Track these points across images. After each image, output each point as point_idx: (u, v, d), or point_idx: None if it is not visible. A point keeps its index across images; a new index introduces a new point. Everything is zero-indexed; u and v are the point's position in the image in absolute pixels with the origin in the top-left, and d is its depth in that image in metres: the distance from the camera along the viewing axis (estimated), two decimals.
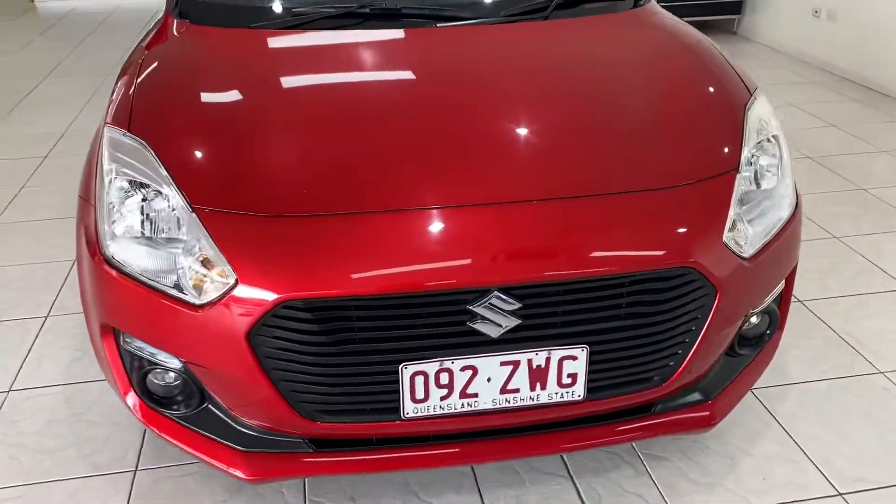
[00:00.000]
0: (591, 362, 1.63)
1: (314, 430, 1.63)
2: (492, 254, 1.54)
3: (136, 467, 2.04)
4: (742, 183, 1.74)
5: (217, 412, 1.72)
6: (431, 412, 1.62)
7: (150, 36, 2.26)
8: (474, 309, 1.52)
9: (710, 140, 1.82)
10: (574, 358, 1.61)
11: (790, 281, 1.96)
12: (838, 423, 2.17)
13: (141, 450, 2.10)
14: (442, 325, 1.55)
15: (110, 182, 1.68)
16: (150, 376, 1.72)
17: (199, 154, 1.72)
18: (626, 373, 1.67)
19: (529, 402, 1.64)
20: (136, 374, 1.72)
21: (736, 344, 1.87)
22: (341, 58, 2.06)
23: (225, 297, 1.51)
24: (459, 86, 1.94)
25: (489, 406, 1.63)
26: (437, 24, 2.16)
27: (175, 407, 1.74)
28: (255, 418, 1.66)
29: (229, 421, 1.71)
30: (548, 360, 1.60)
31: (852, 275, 2.90)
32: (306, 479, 1.99)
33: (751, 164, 1.80)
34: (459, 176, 1.66)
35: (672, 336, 1.66)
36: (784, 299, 1.97)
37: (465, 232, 1.57)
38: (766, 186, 1.82)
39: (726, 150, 1.79)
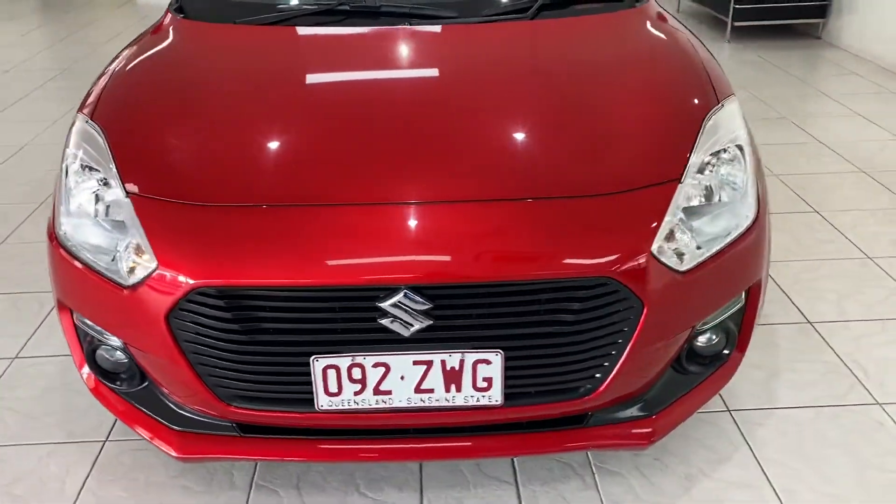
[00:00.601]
0: (507, 368, 1.60)
1: (233, 415, 1.67)
2: (403, 252, 1.54)
3: (107, 438, 2.16)
4: (687, 193, 1.67)
5: (156, 391, 1.79)
6: (346, 406, 1.63)
7: (147, 29, 2.37)
8: (384, 306, 1.53)
9: (659, 148, 1.75)
10: (488, 362, 1.59)
11: (753, 298, 1.86)
12: (815, 454, 2.04)
13: (115, 422, 2.21)
14: (353, 320, 1.56)
15: (68, 166, 1.78)
16: (98, 352, 1.81)
17: (146, 142, 1.80)
18: (548, 381, 1.64)
19: (445, 404, 1.63)
20: (87, 348, 1.82)
21: (684, 360, 1.80)
22: (309, 54, 2.10)
23: (147, 280, 1.58)
24: (417, 85, 1.94)
25: (404, 404, 1.63)
26: (416, 23, 2.17)
27: (120, 383, 1.82)
28: (182, 399, 1.73)
29: (166, 401, 1.79)
30: (462, 362, 1.58)
31: (877, 300, 2.71)
32: (257, 465, 2.05)
33: (703, 173, 1.72)
34: (386, 173, 1.67)
35: (596, 347, 1.61)
36: (746, 318, 1.87)
37: (380, 229, 1.58)
38: (724, 198, 1.74)
39: (673, 158, 1.71)
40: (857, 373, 2.34)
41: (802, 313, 2.62)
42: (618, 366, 1.63)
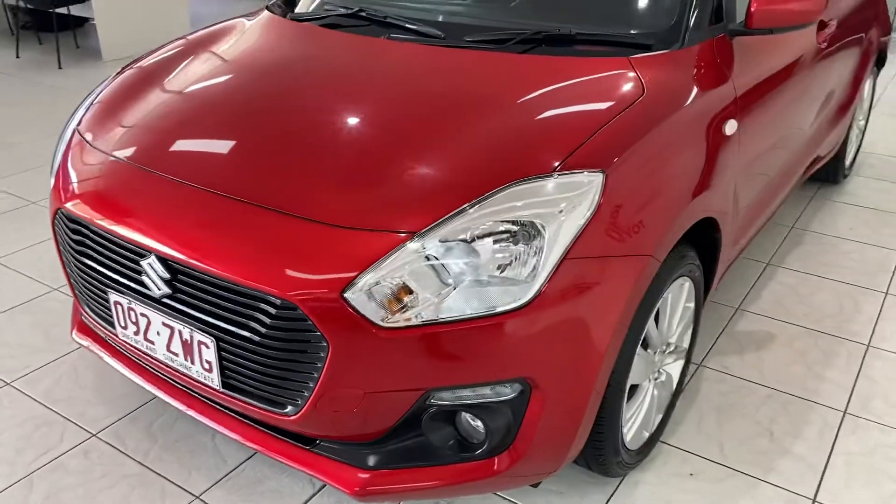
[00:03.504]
0: (221, 357, 1.70)
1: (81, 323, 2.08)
2: (163, 223, 1.74)
3: None
4: (415, 255, 1.53)
5: None
6: (130, 342, 1.90)
7: None
8: (141, 263, 1.75)
9: (430, 199, 1.61)
10: (207, 346, 1.71)
11: (536, 401, 1.61)
12: None
13: None
14: (128, 268, 1.81)
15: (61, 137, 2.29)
16: None
17: (105, 106, 2.21)
18: (256, 384, 1.69)
19: (185, 371, 1.80)
20: None
21: (427, 429, 1.66)
22: (272, 53, 2.29)
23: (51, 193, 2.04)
24: (323, 98, 1.98)
25: (161, 358, 1.84)
26: (395, 37, 2.22)
27: None
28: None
29: None
30: (191, 336, 1.73)
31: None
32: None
33: (465, 240, 1.54)
34: (211, 162, 1.81)
35: (289, 369, 1.62)
36: (526, 419, 1.63)
37: (163, 200, 1.78)
38: (508, 274, 1.54)
39: (425, 212, 1.57)
40: None
41: None
42: (312, 396, 1.61)
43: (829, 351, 2.66)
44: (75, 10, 6.51)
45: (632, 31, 2.10)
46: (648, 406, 2.06)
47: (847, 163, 3.99)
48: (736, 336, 2.74)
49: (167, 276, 1.71)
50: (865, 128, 4.23)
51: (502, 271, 1.55)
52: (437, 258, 1.54)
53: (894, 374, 2.55)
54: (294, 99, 1.99)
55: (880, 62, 3.98)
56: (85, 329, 2.21)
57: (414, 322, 1.53)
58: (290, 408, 1.68)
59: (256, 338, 1.62)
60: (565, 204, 1.60)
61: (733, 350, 2.66)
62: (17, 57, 6.55)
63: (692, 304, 2.15)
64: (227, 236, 1.67)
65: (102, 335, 2.07)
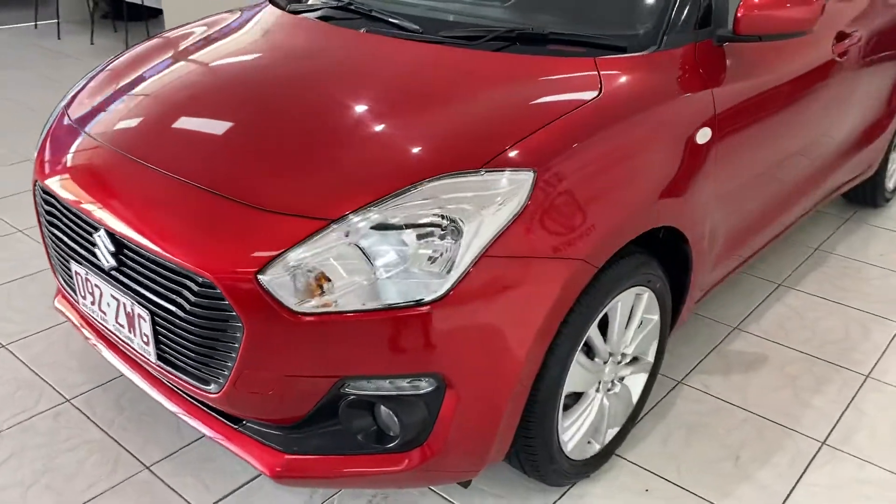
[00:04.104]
0: (156, 332, 1.75)
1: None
2: (111, 199, 1.80)
3: None
4: (335, 242, 1.54)
5: None
6: (88, 311, 1.98)
7: None
8: (94, 236, 1.82)
9: (356, 187, 1.61)
10: (143, 318, 1.76)
11: (450, 399, 1.60)
12: None
13: None
14: (85, 240, 1.88)
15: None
16: None
17: (91, 88, 2.30)
18: (184, 360, 1.73)
19: (129, 343, 1.86)
20: None
21: (343, 417, 1.67)
22: (252, 41, 2.34)
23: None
24: (290, 88, 2.00)
25: (112, 328, 1.90)
26: (373, 29, 2.23)
27: None
28: None
29: None
30: (132, 310, 1.79)
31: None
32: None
33: (383, 230, 1.54)
34: (173, 144, 1.86)
35: (209, 346, 1.65)
36: (441, 414, 1.61)
37: (116, 176, 1.84)
38: (425, 267, 1.54)
39: (345, 202, 1.57)
40: None
41: None
42: (231, 375, 1.64)
43: (823, 378, 2.53)
44: (148, 0, 6.80)
45: (607, 33, 2.05)
46: (597, 417, 2.01)
47: (890, 186, 3.78)
48: (726, 355, 2.63)
49: (114, 249, 1.78)
50: None
51: (421, 265, 1.54)
52: (357, 246, 1.55)
53: (889, 408, 2.40)
54: (258, 87, 2.03)
55: None
56: (65, 297, 2.31)
57: (329, 309, 1.54)
58: (213, 385, 1.71)
59: (182, 314, 1.66)
60: (488, 200, 1.58)
61: (719, 370, 2.56)
62: (92, 44, 6.89)
63: (654, 317, 2.08)
64: (164, 214, 1.72)
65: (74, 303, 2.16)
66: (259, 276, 1.55)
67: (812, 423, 2.33)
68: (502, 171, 1.62)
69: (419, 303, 1.53)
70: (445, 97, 1.86)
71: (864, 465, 2.17)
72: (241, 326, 1.58)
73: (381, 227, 1.56)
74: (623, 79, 1.90)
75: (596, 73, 1.90)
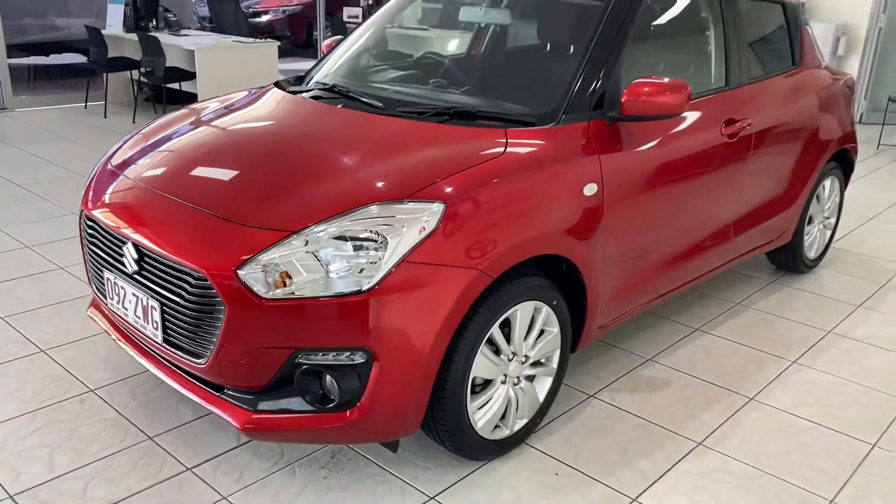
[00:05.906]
0: (164, 318, 2.34)
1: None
2: (136, 220, 2.43)
3: None
4: (294, 247, 2.13)
5: None
6: (115, 310, 2.58)
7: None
8: (122, 248, 2.44)
9: (312, 209, 2.22)
10: (155, 309, 2.36)
11: (376, 369, 2.16)
12: None
13: None
14: (116, 252, 2.51)
15: None
16: None
17: (129, 143, 2.99)
18: (183, 339, 2.31)
19: (143, 330, 2.45)
20: None
21: (298, 383, 2.22)
22: (258, 113, 3.02)
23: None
24: (277, 142, 2.67)
25: (131, 321, 2.50)
26: (349, 105, 2.90)
27: None
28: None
29: None
30: (147, 303, 2.39)
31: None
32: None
33: (332, 240, 2.14)
34: (187, 179, 2.52)
35: (202, 327, 2.23)
36: (370, 383, 2.17)
37: (141, 203, 2.49)
38: (360, 268, 2.13)
39: (306, 219, 2.18)
40: None
41: None
42: (215, 350, 2.22)
43: (714, 399, 3.04)
44: (186, 86, 7.69)
45: (521, 111, 2.70)
46: (504, 405, 2.54)
47: (811, 255, 4.32)
48: (635, 379, 3.15)
49: (136, 257, 2.40)
50: (836, 226, 4.55)
51: (358, 266, 2.13)
52: (311, 252, 2.15)
53: (764, 423, 2.89)
54: (253, 142, 2.71)
55: (846, 167, 4.36)
56: (95, 306, 2.92)
57: (289, 296, 2.13)
58: (202, 358, 2.29)
59: (183, 302, 2.26)
60: (408, 221, 2.19)
61: (627, 388, 3.08)
62: (133, 122, 7.75)
63: (554, 329, 2.63)
64: (173, 228, 2.35)
65: (103, 309, 2.77)
66: (238, 272, 2.15)
67: (695, 429, 2.83)
68: (421, 201, 2.23)
69: (355, 293, 2.12)
70: (391, 151, 2.51)
71: (728, 459, 2.66)
72: (224, 310, 2.17)
73: (333, 238, 2.16)
74: (525, 143, 2.53)
75: (504, 139, 2.53)
